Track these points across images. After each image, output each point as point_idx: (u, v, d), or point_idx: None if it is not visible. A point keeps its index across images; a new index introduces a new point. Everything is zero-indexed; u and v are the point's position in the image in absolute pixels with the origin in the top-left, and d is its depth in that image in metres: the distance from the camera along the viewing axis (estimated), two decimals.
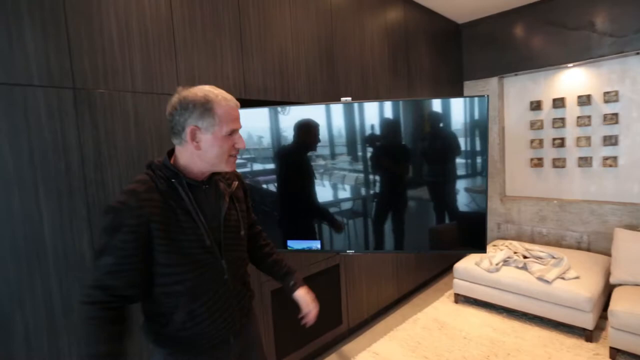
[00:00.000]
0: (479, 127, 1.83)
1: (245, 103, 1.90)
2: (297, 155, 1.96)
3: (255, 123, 1.90)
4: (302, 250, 1.92)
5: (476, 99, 1.77)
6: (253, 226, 1.31)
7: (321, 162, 1.95)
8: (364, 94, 2.63)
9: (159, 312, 1.03)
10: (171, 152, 1.05)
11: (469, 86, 3.85)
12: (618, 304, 2.20)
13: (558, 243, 3.35)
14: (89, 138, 1.41)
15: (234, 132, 1.03)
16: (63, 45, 1.34)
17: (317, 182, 1.94)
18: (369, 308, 2.76)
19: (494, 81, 3.66)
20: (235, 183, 1.18)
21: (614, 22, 2.92)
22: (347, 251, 1.95)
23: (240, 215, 1.15)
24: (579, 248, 3.22)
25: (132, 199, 0.93)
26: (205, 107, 0.97)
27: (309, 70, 2.26)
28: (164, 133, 1.60)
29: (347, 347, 2.52)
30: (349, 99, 1.84)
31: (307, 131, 1.92)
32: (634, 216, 2.95)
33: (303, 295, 1.28)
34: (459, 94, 3.84)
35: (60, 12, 1.33)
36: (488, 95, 1.79)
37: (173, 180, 1.00)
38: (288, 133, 1.90)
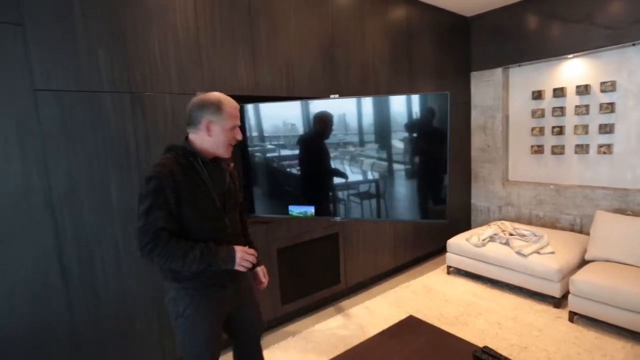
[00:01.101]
0: (440, 120, 2.19)
1: (256, 99, 2.39)
2: (315, 140, 2.42)
3: (267, 112, 2.39)
4: (300, 215, 2.41)
5: (438, 94, 2.13)
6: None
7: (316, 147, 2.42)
8: (364, 90, 3.02)
9: None
10: (186, 139, 1.40)
11: (476, 77, 4.07)
12: (579, 275, 2.49)
13: (553, 225, 3.58)
14: (140, 129, 1.97)
15: (235, 126, 1.41)
16: (123, 61, 1.89)
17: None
18: (366, 272, 3.22)
19: (499, 72, 3.87)
20: (232, 164, 1.58)
21: (611, 15, 3.05)
22: (336, 218, 2.42)
23: (237, 187, 1.55)
24: (572, 230, 3.44)
25: (165, 169, 1.28)
26: (217, 106, 1.34)
27: (312, 69, 2.70)
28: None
29: (344, 303, 3.01)
30: (337, 95, 2.27)
31: (324, 122, 2.38)
32: (623, 201, 3.13)
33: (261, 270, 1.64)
34: (466, 84, 4.08)
35: (120, 37, 1.88)
36: (449, 93, 2.14)
37: (191, 158, 1.36)
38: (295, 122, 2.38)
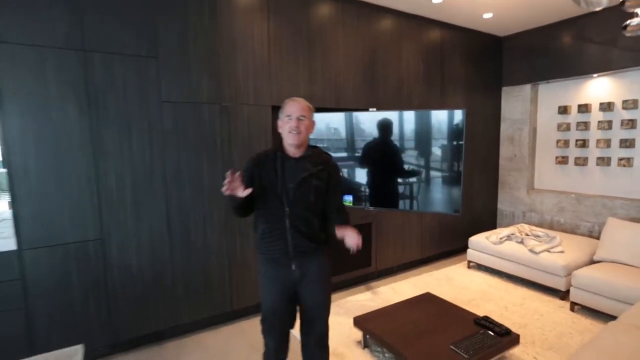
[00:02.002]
0: (458, 131, 2.67)
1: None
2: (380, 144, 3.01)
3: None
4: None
5: (452, 111, 2.63)
6: (332, 203, 1.74)
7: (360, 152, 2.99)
8: (398, 103, 3.54)
9: (255, 224, 1.74)
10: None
11: (506, 92, 4.43)
12: (582, 270, 2.84)
13: (573, 231, 3.86)
14: (225, 130, 2.65)
15: (288, 116, 1.63)
16: (217, 81, 2.59)
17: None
18: (394, 260, 3.72)
19: (527, 87, 4.21)
20: (320, 167, 1.69)
21: (635, 38, 3.32)
22: (370, 207, 2.97)
23: (313, 186, 1.66)
24: (590, 236, 3.71)
25: (254, 156, 1.70)
26: (281, 106, 1.70)
27: (355, 85, 3.27)
28: (261, 127, 2.79)
29: (373, 283, 3.54)
30: (374, 109, 2.82)
31: (386, 127, 2.95)
32: (639, 211, 3.38)
33: (342, 232, 1.64)
34: (497, 99, 4.45)
35: (216, 64, 2.57)
36: (465, 109, 2.62)
37: (277, 152, 1.68)
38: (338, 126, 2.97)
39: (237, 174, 1.51)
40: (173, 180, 2.49)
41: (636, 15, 1.94)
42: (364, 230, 3.47)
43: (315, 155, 1.73)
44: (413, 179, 2.99)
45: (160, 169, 2.44)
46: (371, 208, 3.00)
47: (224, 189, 1.49)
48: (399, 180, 3.01)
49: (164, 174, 2.45)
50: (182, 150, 2.51)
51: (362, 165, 3.02)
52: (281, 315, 1.74)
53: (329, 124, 3.04)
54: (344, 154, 3.04)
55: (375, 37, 3.36)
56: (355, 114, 2.96)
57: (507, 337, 2.17)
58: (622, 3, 1.90)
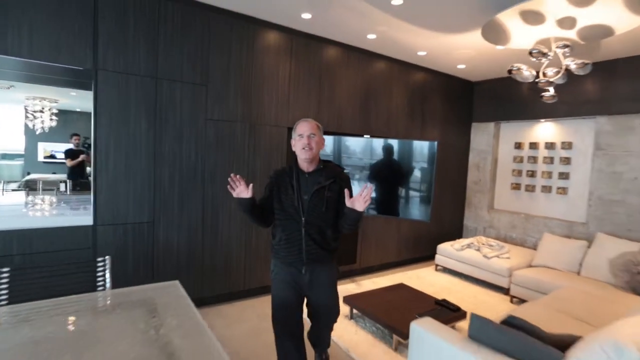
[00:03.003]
0: (432, 158, 3.48)
1: None
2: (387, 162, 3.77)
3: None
4: None
5: (432, 142, 3.44)
6: (341, 210, 1.86)
7: (351, 169, 3.75)
8: (387, 131, 4.35)
9: (274, 233, 1.96)
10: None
11: (475, 127, 5.33)
12: (519, 271, 3.66)
13: (522, 244, 4.72)
14: (251, 144, 3.36)
15: (300, 135, 1.85)
16: (248, 105, 3.31)
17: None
18: (376, 259, 4.46)
19: (492, 125, 5.12)
20: (332, 180, 1.86)
21: (571, 95, 4.25)
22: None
23: (325, 198, 1.82)
24: (533, 248, 4.56)
25: (272, 173, 1.98)
26: (294, 127, 1.93)
27: (353, 114, 4.06)
28: (279, 143, 3.52)
29: (357, 277, 4.26)
30: (368, 135, 3.60)
31: (390, 150, 3.72)
32: (570, 230, 4.26)
33: (351, 202, 1.75)
34: (467, 132, 5.34)
35: (249, 92, 3.30)
36: (438, 141, 3.43)
37: (293, 168, 1.91)
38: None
39: (238, 176, 1.76)
40: (209, 181, 3.17)
41: (547, 90, 2.80)
42: (352, 233, 4.21)
43: (328, 169, 1.93)
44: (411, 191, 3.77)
45: (200, 171, 3.12)
46: (375, 213, 3.75)
47: (230, 189, 1.76)
48: (400, 190, 3.79)
49: (203, 175, 3.13)
50: (218, 158, 3.20)
51: (371, 180, 3.78)
52: (290, 312, 1.92)
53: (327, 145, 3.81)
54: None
55: (371, 77, 4.18)
56: (351, 138, 3.74)
57: (458, 313, 2.92)
58: (536, 83, 2.77)
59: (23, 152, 9.56)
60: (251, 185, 1.79)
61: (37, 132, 8.19)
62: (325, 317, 2.03)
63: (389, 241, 4.57)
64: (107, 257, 1.85)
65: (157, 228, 2.95)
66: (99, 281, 1.78)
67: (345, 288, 3.87)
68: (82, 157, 5.49)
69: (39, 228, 2.50)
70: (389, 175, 3.78)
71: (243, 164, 3.34)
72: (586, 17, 2.37)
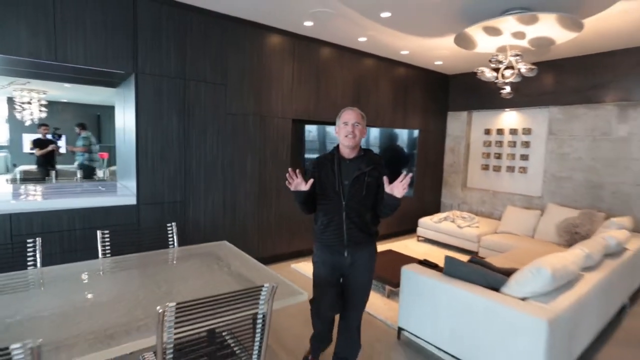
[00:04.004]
0: (414, 143, 4.13)
1: (315, 122, 4.35)
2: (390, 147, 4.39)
3: (316, 130, 4.34)
4: None
5: (414, 130, 4.09)
6: (380, 196, 1.92)
7: None
8: (375, 121, 4.97)
9: (316, 218, 2.04)
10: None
11: (451, 115, 6.04)
12: (485, 237, 4.42)
13: (489, 216, 5.50)
14: (262, 134, 3.92)
15: (344, 123, 1.91)
16: (259, 100, 3.85)
17: None
18: None
19: (465, 113, 5.83)
20: (372, 167, 1.92)
21: (529, 88, 4.97)
22: None
23: (365, 183, 1.90)
24: (499, 219, 5.34)
25: (314, 161, 2.01)
26: (339, 114, 1.99)
27: (346, 105, 4.64)
28: (285, 133, 4.09)
29: None
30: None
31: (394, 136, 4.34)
32: (529, 202, 5.05)
33: (390, 188, 1.82)
34: (444, 120, 6.04)
35: (260, 90, 3.84)
36: (420, 129, 4.08)
37: (334, 154, 1.96)
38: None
39: (297, 171, 1.83)
40: (228, 167, 3.72)
41: (504, 89, 3.48)
42: None
43: (368, 156, 1.98)
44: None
45: (221, 159, 3.67)
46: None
47: (288, 184, 1.84)
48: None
49: (223, 162, 3.68)
50: (234, 146, 3.75)
51: None
52: (330, 298, 2.01)
53: (315, 133, 4.41)
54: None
55: (361, 73, 4.77)
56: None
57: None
58: (495, 83, 3.45)
59: (6, 144, 9.70)
60: (311, 180, 1.87)
61: (27, 124, 8.40)
62: (358, 297, 2.06)
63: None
64: (173, 223, 2.42)
65: (188, 207, 3.50)
66: (170, 241, 2.36)
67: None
68: (51, 146, 5.85)
69: (95, 207, 3.01)
70: (393, 158, 4.43)
71: (255, 152, 3.90)
72: (533, 32, 3.04)
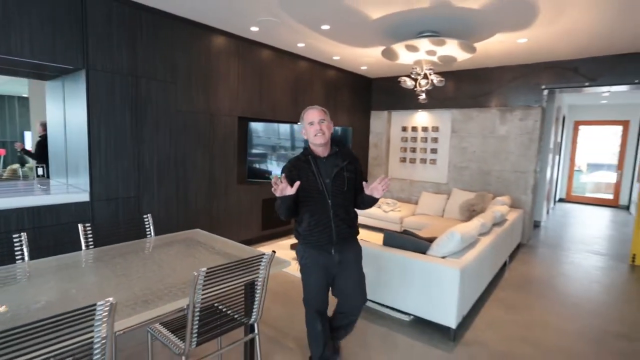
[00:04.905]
0: (347, 140, 4.74)
1: (259, 120, 4.68)
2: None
3: (260, 127, 4.68)
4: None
5: (347, 128, 4.70)
6: (358, 188, 2.01)
7: (282, 151, 4.79)
8: None
9: (299, 220, 2.02)
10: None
11: (373, 114, 6.84)
12: (407, 219, 5.27)
13: (408, 201, 6.44)
14: (211, 131, 4.12)
15: (311, 123, 1.93)
16: (207, 98, 4.04)
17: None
18: None
19: (385, 112, 6.68)
20: (347, 161, 1.98)
21: (436, 92, 5.96)
22: None
23: (346, 178, 1.95)
24: (416, 204, 6.31)
25: (288, 165, 2.00)
26: (302, 116, 2.01)
27: (286, 104, 5.06)
28: (232, 130, 4.34)
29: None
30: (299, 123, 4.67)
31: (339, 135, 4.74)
32: (438, 188, 6.08)
33: (369, 189, 1.90)
34: (368, 118, 6.82)
35: (208, 87, 4.03)
36: (351, 128, 4.70)
37: (308, 155, 1.96)
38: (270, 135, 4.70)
39: (282, 176, 1.83)
40: (180, 162, 3.86)
41: (421, 95, 4.28)
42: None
43: (342, 152, 2.02)
44: None
45: (173, 154, 3.79)
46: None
47: (274, 190, 1.81)
48: None
49: (175, 157, 3.81)
50: (186, 143, 3.90)
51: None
52: (323, 297, 2.02)
53: (269, 129, 4.77)
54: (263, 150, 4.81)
55: (299, 73, 5.21)
56: (284, 125, 4.77)
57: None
58: (414, 90, 4.23)
59: None
60: (297, 183, 1.84)
61: None
62: (356, 294, 2.08)
63: None
64: (149, 215, 2.58)
65: (142, 201, 3.57)
66: (147, 231, 2.53)
67: (289, 242, 4.98)
68: None
69: (45, 205, 2.95)
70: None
71: (205, 148, 4.09)
72: (441, 51, 3.82)
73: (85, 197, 3.19)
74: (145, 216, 2.57)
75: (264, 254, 1.82)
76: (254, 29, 4.02)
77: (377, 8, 3.30)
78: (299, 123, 2.06)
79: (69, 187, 3.41)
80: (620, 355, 2.54)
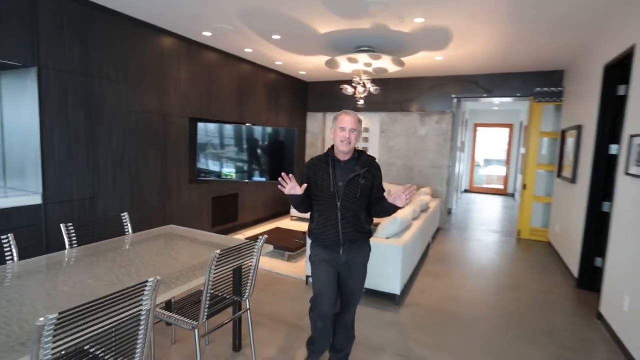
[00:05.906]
0: (292, 140, 5.17)
1: (208, 120, 4.83)
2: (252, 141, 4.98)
3: (207, 127, 4.83)
4: (227, 176, 4.93)
5: (293, 129, 5.12)
6: (376, 197, 2.03)
7: (228, 151, 5.02)
8: (256, 119, 5.74)
9: (312, 217, 2.11)
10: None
11: (310, 115, 7.34)
12: None
13: None
14: (164, 131, 4.18)
15: (342, 129, 1.94)
16: (160, 99, 4.09)
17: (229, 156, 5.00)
18: (251, 216, 5.90)
19: (320, 114, 7.23)
20: (365, 169, 1.98)
21: (369, 99, 6.67)
22: (244, 180, 5.05)
23: (360, 185, 1.95)
24: None
25: (308, 163, 2.08)
26: (336, 116, 2.03)
27: (234, 106, 5.27)
28: (184, 130, 4.43)
29: (240, 231, 5.61)
30: (250, 124, 4.94)
31: (278, 134, 4.96)
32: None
33: (392, 199, 1.92)
34: (305, 119, 7.30)
35: (162, 88, 4.08)
36: (296, 129, 5.13)
37: (329, 156, 2.02)
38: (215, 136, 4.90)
39: (290, 176, 1.88)
40: (134, 162, 3.87)
41: (359, 101, 4.90)
42: (232, 198, 5.51)
43: (362, 158, 2.04)
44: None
45: (127, 154, 3.79)
46: (246, 180, 5.10)
47: (281, 188, 1.90)
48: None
49: (129, 157, 3.81)
50: (140, 143, 3.91)
51: (264, 153, 5.07)
52: (330, 294, 2.00)
53: (219, 130, 4.95)
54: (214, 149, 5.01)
55: (243, 76, 5.45)
56: (229, 125, 5.01)
57: None
58: (354, 97, 4.82)
59: None
60: (305, 185, 1.95)
61: None
62: (355, 295, 2.12)
63: (259, 202, 6.08)
64: (125, 213, 2.68)
65: (97, 202, 3.53)
66: (125, 228, 2.64)
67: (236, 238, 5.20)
68: None
69: None
70: (278, 151, 5.26)
71: (159, 148, 4.14)
72: (376, 64, 4.46)
73: (37, 199, 3.09)
74: (123, 215, 2.67)
75: (259, 238, 2.16)
76: (207, 33, 4.19)
77: (326, 25, 3.77)
78: (332, 121, 2.08)
79: (8, 191, 3.23)
80: (512, 300, 3.43)
